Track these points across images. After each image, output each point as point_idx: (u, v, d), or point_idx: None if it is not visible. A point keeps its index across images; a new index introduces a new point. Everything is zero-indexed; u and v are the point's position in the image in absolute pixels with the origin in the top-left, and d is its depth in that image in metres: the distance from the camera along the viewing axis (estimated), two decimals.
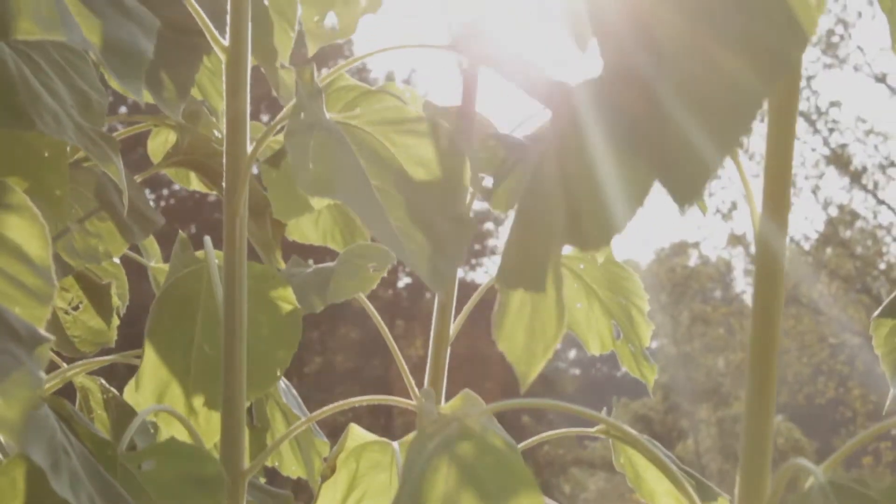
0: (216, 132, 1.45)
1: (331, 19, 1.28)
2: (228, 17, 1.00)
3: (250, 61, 0.99)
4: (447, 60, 1.14)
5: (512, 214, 1.19)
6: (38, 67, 1.01)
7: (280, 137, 1.38)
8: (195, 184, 1.51)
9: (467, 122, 1.17)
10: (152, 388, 1.06)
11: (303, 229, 1.45)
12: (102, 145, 0.99)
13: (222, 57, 0.99)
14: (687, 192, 0.47)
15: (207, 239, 1.07)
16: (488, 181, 1.12)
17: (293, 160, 0.83)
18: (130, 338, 1.41)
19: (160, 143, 1.48)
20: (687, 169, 0.47)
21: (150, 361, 1.06)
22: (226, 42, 0.99)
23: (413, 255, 0.80)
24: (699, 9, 0.51)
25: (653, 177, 0.50)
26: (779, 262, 0.54)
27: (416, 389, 1.17)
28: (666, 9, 0.52)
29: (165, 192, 15.32)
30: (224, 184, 0.98)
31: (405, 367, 1.16)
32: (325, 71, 1.16)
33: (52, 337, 0.64)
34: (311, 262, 1.39)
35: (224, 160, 0.98)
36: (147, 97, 1.39)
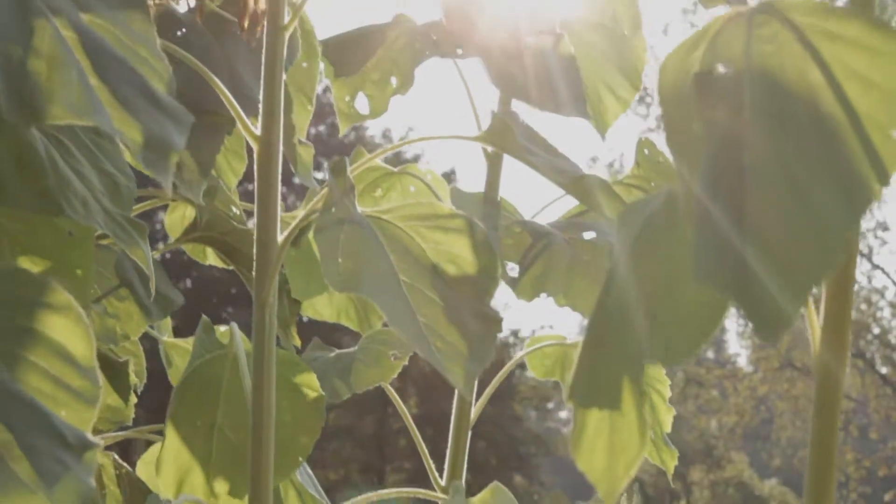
0: (234, 208, 1.45)
1: (361, 100, 1.29)
2: (261, 106, 1.00)
3: (282, 151, 0.99)
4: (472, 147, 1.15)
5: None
6: (67, 151, 1.01)
7: (299, 213, 1.38)
8: (212, 259, 1.51)
9: (492, 208, 1.17)
10: (173, 472, 1.05)
11: (317, 307, 1.45)
12: (130, 231, 0.99)
13: (254, 145, 1.00)
14: (771, 329, 0.47)
15: (234, 326, 1.07)
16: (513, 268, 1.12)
17: (322, 255, 0.83)
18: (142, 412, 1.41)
19: (178, 217, 1.48)
20: (770, 304, 0.47)
21: (172, 445, 1.06)
22: (257, 131, 1.00)
23: (440, 356, 0.80)
24: (785, 136, 0.52)
25: (731, 304, 0.50)
26: (838, 391, 0.54)
27: (438, 476, 1.16)
28: (752, 134, 0.53)
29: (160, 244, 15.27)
30: (254, 273, 0.98)
31: (427, 454, 1.16)
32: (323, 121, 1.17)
33: (100, 442, 0.63)
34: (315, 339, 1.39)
35: (255, 250, 0.98)
36: None
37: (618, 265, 0.65)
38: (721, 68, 0.60)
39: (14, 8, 0.64)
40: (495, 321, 0.85)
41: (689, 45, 0.62)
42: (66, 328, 0.69)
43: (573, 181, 0.94)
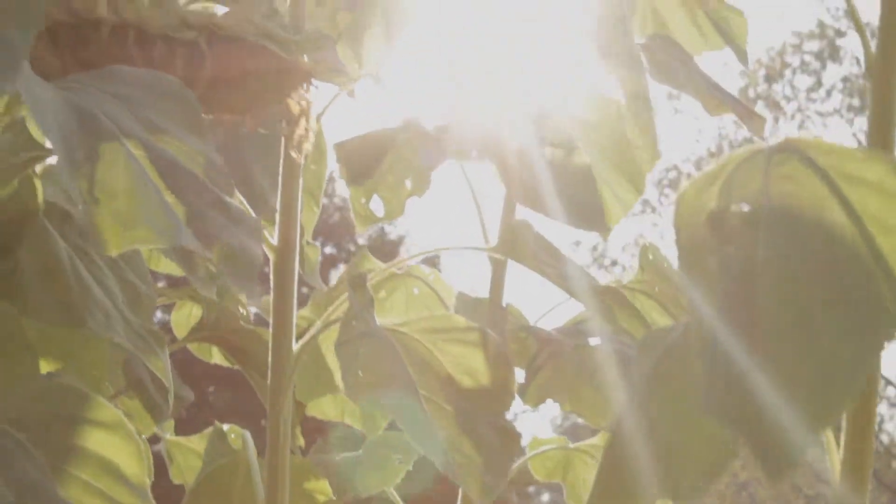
0: (241, 308, 1.47)
1: (377, 201, 1.31)
2: (278, 216, 1.02)
3: (297, 262, 1.01)
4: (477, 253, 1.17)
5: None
6: (90, 259, 1.03)
7: (306, 313, 1.40)
8: (217, 357, 1.52)
9: (499, 314, 1.19)
10: None
11: (322, 406, 1.46)
12: (150, 342, 1.00)
13: (270, 255, 1.02)
14: (775, 469, 0.48)
15: (247, 434, 1.08)
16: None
17: (343, 369, 0.85)
18: None
19: (184, 316, 1.50)
20: (777, 445, 0.49)
21: None
22: (274, 241, 1.02)
23: (460, 470, 0.82)
24: (801, 274, 0.54)
25: (739, 441, 0.52)
26: None
27: None
28: (766, 271, 0.55)
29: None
30: (269, 381, 0.99)
31: None
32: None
33: None
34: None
35: (270, 358, 1.00)
36: (177, 269, 1.41)
37: (635, 395, 0.66)
38: (738, 205, 0.62)
39: (86, 132, 0.66)
40: (513, 436, 0.87)
41: (707, 180, 0.64)
42: (116, 445, 0.70)
43: (588, 293, 0.96)
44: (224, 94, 0.88)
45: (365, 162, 1.29)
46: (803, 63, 12.28)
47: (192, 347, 1.49)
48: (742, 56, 1.44)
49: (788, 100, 12.35)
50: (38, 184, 1.04)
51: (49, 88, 0.68)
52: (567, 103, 1.43)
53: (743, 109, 1.37)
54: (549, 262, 0.98)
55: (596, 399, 1.11)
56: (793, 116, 12.38)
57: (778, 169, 0.63)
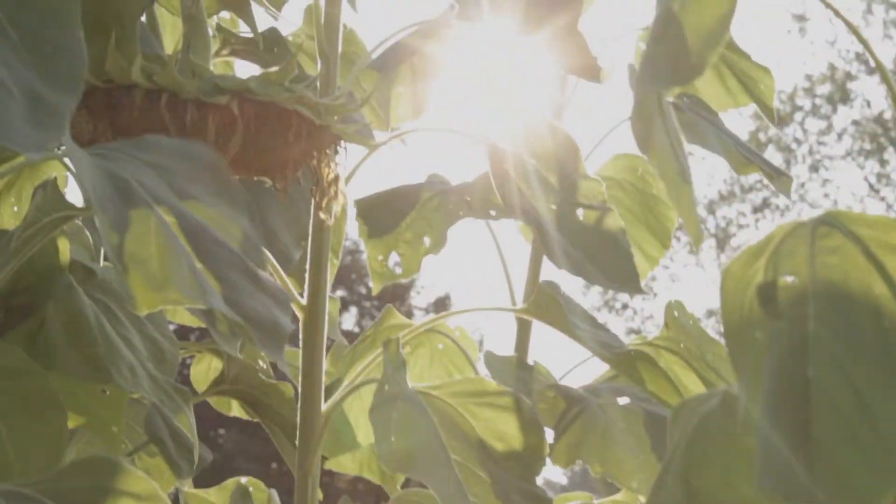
0: (260, 361, 1.46)
1: (394, 259, 1.31)
2: (307, 276, 1.02)
3: (327, 321, 1.01)
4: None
5: None
6: (115, 316, 1.03)
7: (327, 367, 1.39)
8: (237, 411, 1.51)
9: (526, 373, 1.18)
10: None
11: (340, 460, 1.45)
12: (175, 397, 1.00)
13: (299, 314, 1.01)
14: None
15: (274, 493, 1.08)
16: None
17: (377, 435, 0.85)
18: None
19: (203, 369, 1.49)
20: None
21: None
22: (304, 300, 1.01)
23: None
24: (851, 350, 0.54)
25: None
26: None
27: None
28: (817, 347, 0.54)
29: None
30: (298, 442, 0.99)
31: None
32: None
33: None
34: None
35: (299, 419, 0.99)
36: (192, 320, 1.41)
37: (673, 461, 0.66)
38: (785, 278, 0.62)
39: (121, 198, 0.66)
40: (544, 500, 0.86)
41: (752, 254, 0.64)
42: None
43: (618, 356, 0.96)
44: (255, 157, 0.88)
45: (385, 219, 1.29)
46: (814, 106, 12.31)
47: (212, 401, 1.48)
48: (770, 114, 1.44)
49: (799, 143, 12.36)
50: (65, 242, 1.04)
51: (84, 154, 0.68)
52: (596, 164, 1.43)
53: (771, 169, 1.37)
54: (577, 324, 0.97)
55: (626, 460, 1.10)
56: (804, 160, 12.39)
57: (822, 242, 0.62)
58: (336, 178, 0.90)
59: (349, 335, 1.81)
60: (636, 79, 0.68)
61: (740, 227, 12.50)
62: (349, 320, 12.26)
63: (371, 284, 1.35)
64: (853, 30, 0.77)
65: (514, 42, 1.22)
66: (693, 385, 1.14)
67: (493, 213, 1.30)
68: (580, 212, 1.05)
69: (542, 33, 1.05)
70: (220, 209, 0.72)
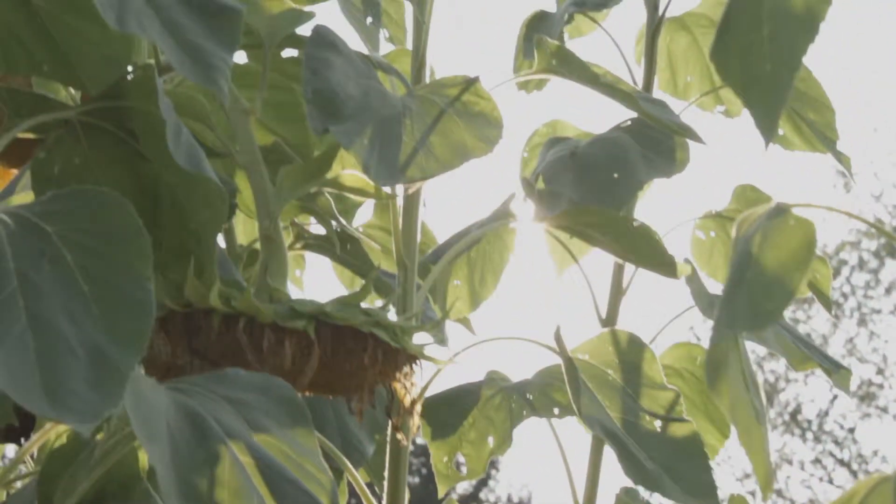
0: None
1: (459, 460, 1.30)
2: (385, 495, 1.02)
3: None
4: None
5: None
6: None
7: None
8: None
9: None
10: None
11: None
12: None
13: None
14: None
15: None
16: None
17: None
18: None
19: None
20: None
21: None
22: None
23: None
24: None
25: None
26: None
27: None
28: None
29: None
30: None
31: None
32: None
33: None
34: None
35: None
36: None
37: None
38: None
39: (194, 434, 0.67)
40: None
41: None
42: None
43: None
44: (331, 378, 0.89)
45: (448, 419, 1.29)
46: (861, 260, 12.26)
47: None
48: (827, 304, 1.45)
49: (846, 297, 12.27)
50: (143, 452, 1.05)
51: (161, 391, 0.70)
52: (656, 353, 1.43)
53: (829, 363, 1.36)
54: None
55: None
56: (851, 314, 12.28)
57: None
58: (411, 398, 0.91)
59: None
60: (715, 321, 0.68)
61: (788, 381, 12.33)
62: None
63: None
64: None
65: (575, 234, 1.24)
66: None
67: (556, 411, 1.29)
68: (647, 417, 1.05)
69: (609, 230, 1.07)
70: (294, 444, 0.73)
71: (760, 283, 0.65)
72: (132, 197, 0.78)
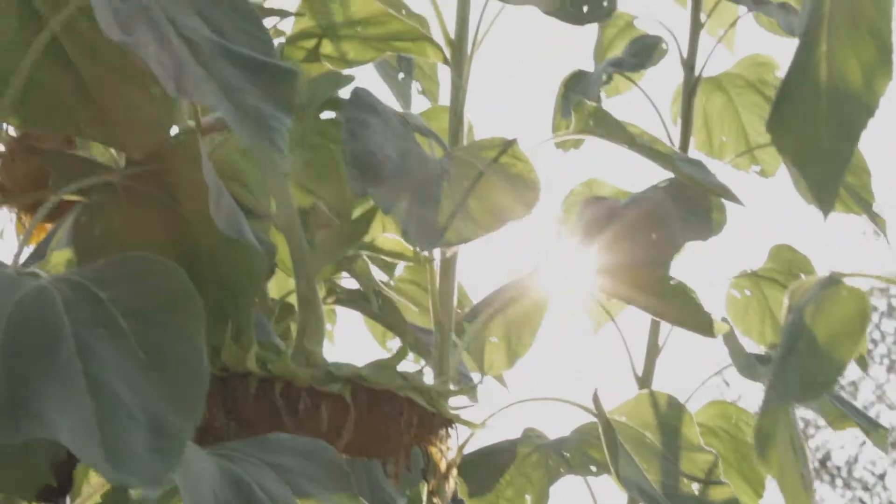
0: None
1: None
2: None
3: None
4: None
5: None
6: None
7: None
8: None
9: None
10: None
11: None
12: None
13: None
14: None
15: None
16: None
17: None
18: None
19: None
20: None
21: None
22: None
23: None
24: None
25: None
26: None
27: None
28: None
29: None
30: None
31: None
32: None
33: None
34: None
35: None
36: None
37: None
38: None
39: (239, 501, 0.67)
40: None
41: None
42: None
43: None
44: (367, 441, 0.89)
45: (485, 477, 1.28)
46: (890, 307, 12.18)
47: None
48: (863, 364, 1.44)
49: (875, 343, 12.18)
50: None
51: (205, 457, 0.70)
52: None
53: (867, 423, 1.35)
54: None
55: None
56: (881, 360, 12.18)
57: None
58: (447, 462, 0.90)
59: None
60: (766, 390, 0.68)
61: (818, 428, 12.24)
62: None
63: None
64: None
65: (611, 294, 1.23)
66: None
67: (593, 468, 1.28)
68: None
69: (646, 290, 1.07)
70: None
71: (813, 354, 0.65)
72: (172, 259, 0.79)
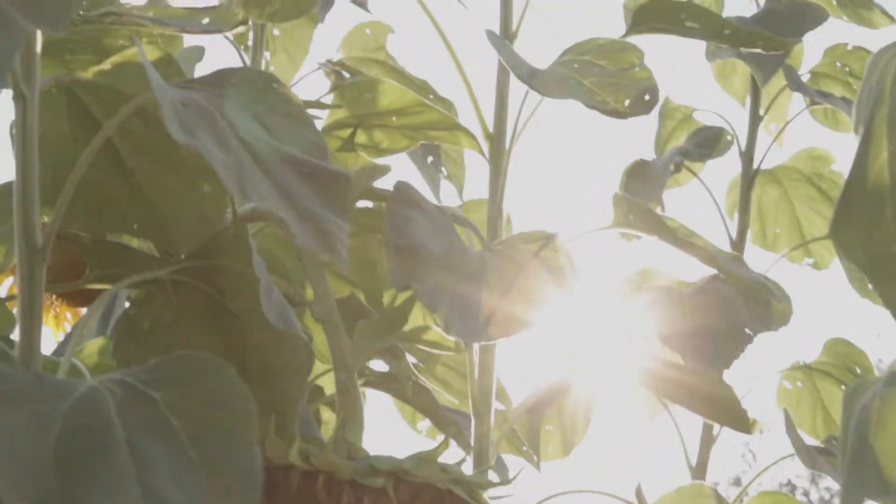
0: None
1: None
2: None
3: None
4: None
5: None
6: None
7: None
8: None
9: None
10: None
11: None
12: None
13: None
14: None
15: None
16: None
17: None
18: None
19: None
20: None
21: None
22: None
23: None
24: None
25: None
26: None
27: None
28: None
29: None
30: None
31: None
32: None
33: None
34: None
35: None
36: None
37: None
38: None
39: None
40: None
41: None
42: None
43: None
44: None
45: None
46: None
47: None
48: None
49: None
50: None
51: None
52: None
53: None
54: None
55: None
56: None
57: None
58: None
59: None
60: (842, 488, 0.69)
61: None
62: None
63: None
64: None
65: (661, 394, 1.23)
66: None
67: None
68: None
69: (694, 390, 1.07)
70: None
71: (887, 450, 0.65)
72: (219, 353, 0.79)
